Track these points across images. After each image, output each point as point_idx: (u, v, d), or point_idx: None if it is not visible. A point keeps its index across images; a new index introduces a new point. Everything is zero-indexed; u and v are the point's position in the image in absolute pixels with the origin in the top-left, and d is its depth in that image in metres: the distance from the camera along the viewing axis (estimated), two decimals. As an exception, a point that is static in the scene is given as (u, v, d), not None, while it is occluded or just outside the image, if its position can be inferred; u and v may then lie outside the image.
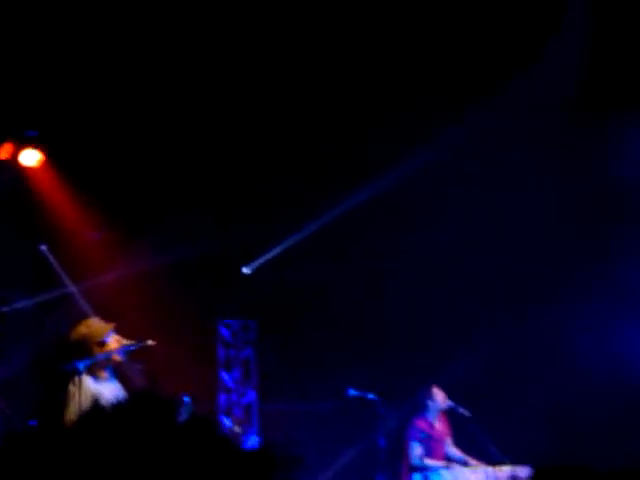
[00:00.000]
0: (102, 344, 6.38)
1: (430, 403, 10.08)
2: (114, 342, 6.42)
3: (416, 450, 9.88)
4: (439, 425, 10.16)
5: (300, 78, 10.32)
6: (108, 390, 6.26)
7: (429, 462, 9.87)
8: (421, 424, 10.02)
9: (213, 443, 1.27)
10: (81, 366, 6.19)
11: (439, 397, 10.08)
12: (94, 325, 6.51)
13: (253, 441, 11.72)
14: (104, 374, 6.41)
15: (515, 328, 11.47)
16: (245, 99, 10.43)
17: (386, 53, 10.14)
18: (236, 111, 10.55)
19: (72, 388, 6.15)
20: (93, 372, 6.33)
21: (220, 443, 1.29)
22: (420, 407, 10.12)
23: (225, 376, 12.24)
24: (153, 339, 6.52)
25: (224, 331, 12.35)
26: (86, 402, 5.96)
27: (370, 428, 9.62)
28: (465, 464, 9.93)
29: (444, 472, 9.64)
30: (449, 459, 10.05)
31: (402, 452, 9.98)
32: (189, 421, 1.28)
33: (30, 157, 10.25)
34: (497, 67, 10.20)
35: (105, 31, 9.45)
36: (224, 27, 9.80)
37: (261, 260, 11.97)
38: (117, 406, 1.29)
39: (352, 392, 9.53)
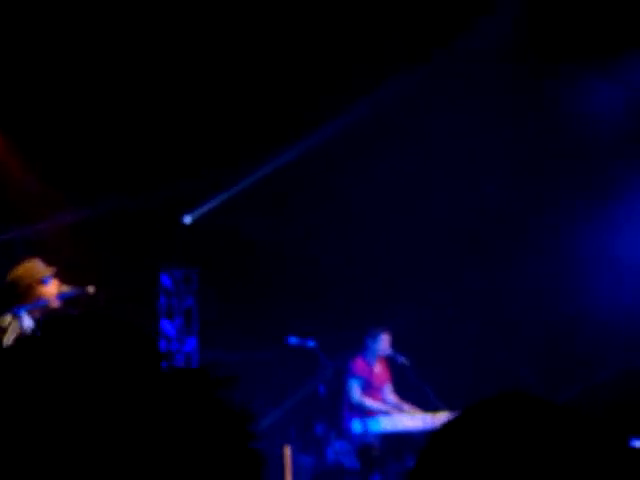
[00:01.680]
0: (41, 283, 6.35)
1: (371, 344, 10.15)
2: (53, 287, 6.41)
3: (355, 389, 9.98)
4: (378, 369, 10.25)
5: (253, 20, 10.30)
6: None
7: (368, 401, 9.98)
8: (359, 364, 10.10)
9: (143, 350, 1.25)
10: (21, 311, 6.17)
11: (383, 342, 10.15)
12: (34, 265, 6.49)
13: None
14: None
15: (456, 274, 11.59)
16: (191, 45, 10.37)
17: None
18: (181, 56, 10.48)
19: (4, 324, 6.12)
20: (34, 316, 6.31)
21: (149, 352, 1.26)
22: (362, 346, 10.19)
23: (166, 325, 12.24)
24: (92, 286, 6.51)
25: (166, 280, 12.32)
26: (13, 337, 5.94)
27: (310, 375, 9.70)
28: (400, 411, 10.06)
29: (382, 418, 9.76)
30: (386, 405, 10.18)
31: (341, 397, 10.08)
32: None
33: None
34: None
35: None
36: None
37: (202, 209, 11.95)
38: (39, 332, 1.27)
39: (292, 339, 9.60)
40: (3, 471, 1.13)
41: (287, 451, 9.75)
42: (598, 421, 1.37)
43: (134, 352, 1.23)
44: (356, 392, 9.99)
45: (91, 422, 1.15)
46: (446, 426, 1.41)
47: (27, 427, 1.15)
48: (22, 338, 1.27)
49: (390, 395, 10.31)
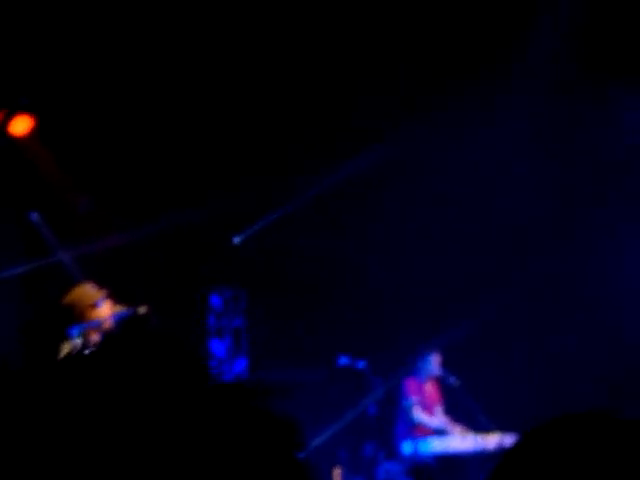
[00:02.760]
0: (93, 307, 6.40)
1: (421, 364, 10.11)
2: (106, 308, 6.45)
3: (414, 408, 9.92)
4: (429, 390, 10.21)
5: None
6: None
7: (429, 419, 9.93)
8: (412, 385, 10.07)
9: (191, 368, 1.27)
10: (75, 332, 6.22)
11: (434, 362, 10.11)
12: (86, 290, 6.54)
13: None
14: (96, 340, 6.44)
15: (502, 296, 11.52)
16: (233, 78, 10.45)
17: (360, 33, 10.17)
18: (224, 82, 10.55)
19: (61, 349, 6.18)
20: (85, 338, 6.36)
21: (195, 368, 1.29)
22: (414, 367, 10.16)
23: (216, 345, 12.27)
24: (144, 307, 6.55)
25: (215, 300, 12.37)
26: None
27: (360, 396, 9.68)
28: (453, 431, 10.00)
29: (433, 439, 9.71)
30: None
31: (394, 417, 10.04)
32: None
33: (21, 125, 10.19)
34: (493, 36, 10.22)
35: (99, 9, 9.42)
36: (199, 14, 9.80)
37: (252, 230, 11.98)
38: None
39: (343, 360, 9.58)
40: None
41: (337, 472, 9.73)
42: None
43: (181, 368, 1.27)
44: (416, 411, 9.93)
45: (138, 437, 1.17)
46: (518, 446, 1.40)
47: (72, 440, 1.17)
48: (70, 356, 1.30)
49: (442, 416, 10.25)
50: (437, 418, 10.13)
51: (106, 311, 6.44)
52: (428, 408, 10.13)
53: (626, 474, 1.31)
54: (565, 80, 10.44)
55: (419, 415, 9.95)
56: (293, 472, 1.25)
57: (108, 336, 1.31)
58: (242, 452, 1.21)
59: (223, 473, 1.18)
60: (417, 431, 9.88)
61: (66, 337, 6.24)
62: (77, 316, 6.34)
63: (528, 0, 10.28)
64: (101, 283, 6.83)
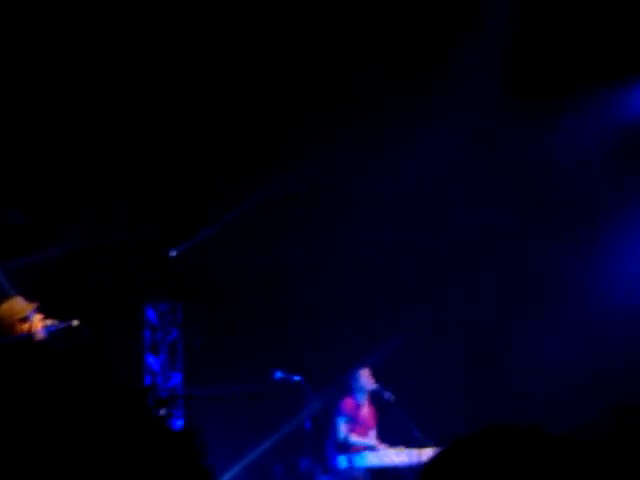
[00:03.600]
0: (24, 320, 6.34)
1: (355, 384, 10.15)
2: (37, 321, 6.39)
3: (342, 427, 9.95)
4: (365, 411, 10.23)
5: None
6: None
7: (354, 438, 9.94)
8: (348, 404, 10.09)
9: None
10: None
11: (364, 379, 10.13)
12: (16, 303, 6.48)
13: (178, 425, 11.68)
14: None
15: (435, 311, 11.61)
16: (169, 89, 10.40)
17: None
18: (162, 99, 10.50)
19: None
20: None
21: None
22: (347, 388, 10.19)
23: (151, 359, 12.19)
24: (76, 320, 6.50)
25: (151, 314, 12.28)
26: None
27: (295, 411, 9.67)
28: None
29: (368, 454, 9.72)
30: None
31: (327, 433, 10.04)
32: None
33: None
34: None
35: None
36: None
37: (188, 243, 11.94)
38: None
39: (278, 374, 9.56)
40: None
41: (272, 487, 9.70)
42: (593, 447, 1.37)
43: (87, 379, 1.26)
44: (342, 430, 9.96)
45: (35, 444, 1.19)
46: (434, 460, 1.42)
47: None
48: None
49: (373, 440, 10.23)
50: (368, 438, 10.14)
51: (36, 324, 6.38)
52: (362, 427, 10.14)
53: None
54: (492, 97, 10.55)
55: (345, 434, 9.96)
56: (193, 477, 1.26)
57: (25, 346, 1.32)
58: (136, 459, 1.22)
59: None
60: (347, 449, 9.89)
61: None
62: (7, 329, 6.28)
63: (458, 16, 10.37)
64: (35, 297, 6.76)
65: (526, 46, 10.31)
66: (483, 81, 10.58)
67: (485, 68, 10.53)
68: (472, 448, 1.39)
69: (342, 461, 9.76)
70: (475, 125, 10.79)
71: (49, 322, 6.45)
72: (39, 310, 6.47)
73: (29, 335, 6.32)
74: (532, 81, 10.48)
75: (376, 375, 10.19)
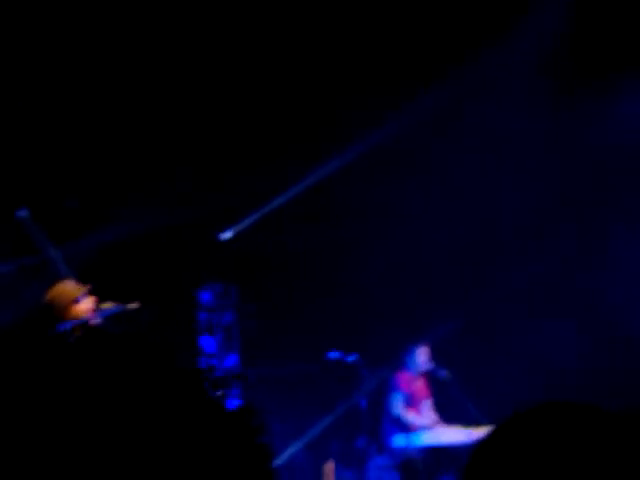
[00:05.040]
0: (75, 303, 6.36)
1: (409, 359, 10.13)
2: (88, 304, 6.41)
3: (397, 403, 9.95)
4: (419, 384, 10.22)
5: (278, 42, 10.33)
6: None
7: (409, 416, 9.93)
8: (403, 378, 10.08)
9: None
10: (63, 329, 6.19)
11: (421, 356, 10.12)
12: (67, 287, 6.50)
13: (234, 406, 11.76)
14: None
15: (501, 291, 11.54)
16: (222, 68, 10.41)
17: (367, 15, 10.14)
18: (212, 78, 10.52)
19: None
20: (73, 335, 6.33)
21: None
22: (403, 363, 10.18)
23: (207, 341, 12.27)
24: (134, 303, 6.54)
25: (205, 296, 12.36)
26: None
27: (351, 390, 9.68)
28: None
29: (424, 433, 9.72)
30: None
31: (383, 412, 10.05)
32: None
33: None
34: (480, 29, 10.22)
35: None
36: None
37: (241, 225, 11.98)
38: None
39: (332, 355, 9.57)
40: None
41: (329, 466, 9.73)
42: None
43: (147, 365, 1.28)
44: (398, 406, 9.95)
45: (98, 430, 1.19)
46: (486, 439, 1.41)
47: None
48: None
49: (429, 412, 10.25)
50: (422, 416, 10.12)
51: (87, 307, 6.40)
52: (416, 403, 10.13)
53: (600, 463, 1.30)
54: (561, 77, 10.44)
55: (400, 411, 9.95)
56: (252, 456, 1.27)
57: (88, 332, 1.34)
58: (195, 437, 1.23)
59: (177, 457, 1.21)
60: (402, 426, 9.89)
61: (61, 334, 6.21)
62: (58, 313, 6.30)
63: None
64: (90, 280, 6.81)
65: (586, 27, 10.17)
66: (540, 62, 10.45)
67: (544, 51, 10.40)
68: (529, 424, 1.38)
69: (398, 440, 9.76)
70: (531, 108, 10.68)
71: (106, 305, 6.49)
72: (91, 293, 6.50)
73: (84, 320, 6.36)
74: (591, 62, 10.34)
75: (432, 354, 10.18)
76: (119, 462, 1.18)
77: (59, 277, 8.09)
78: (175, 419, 1.22)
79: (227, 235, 12.05)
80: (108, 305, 6.50)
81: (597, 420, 1.36)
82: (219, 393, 1.33)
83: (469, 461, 1.40)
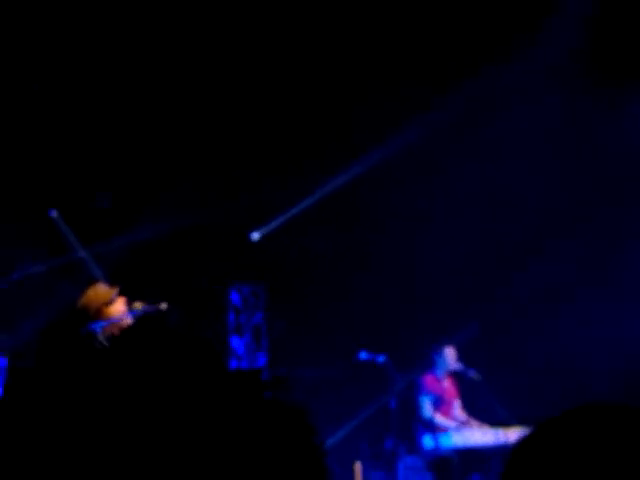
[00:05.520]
0: (109, 304, 6.46)
1: (438, 360, 10.13)
2: (121, 304, 6.51)
3: (426, 405, 9.95)
4: (447, 385, 10.21)
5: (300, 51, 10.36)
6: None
7: (439, 419, 9.93)
8: (429, 380, 10.08)
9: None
10: (97, 328, 6.28)
11: (449, 356, 10.11)
12: (98, 289, 6.63)
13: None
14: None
15: (524, 291, 11.50)
16: (256, 72, 10.46)
17: (385, 21, 10.15)
18: (247, 79, 10.56)
19: (99, 346, 6.28)
20: (107, 335, 6.41)
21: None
22: (430, 363, 10.18)
23: (236, 342, 12.30)
24: (164, 303, 6.59)
25: (234, 296, 12.39)
26: None
27: (380, 391, 9.68)
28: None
29: (454, 433, 9.70)
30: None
31: (413, 412, 10.04)
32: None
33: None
34: (500, 33, 10.20)
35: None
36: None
37: (271, 226, 12.00)
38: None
39: (363, 355, 9.57)
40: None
41: (358, 467, 9.73)
42: None
43: (195, 362, 1.30)
44: (428, 409, 9.95)
45: (150, 427, 1.20)
46: (525, 440, 1.41)
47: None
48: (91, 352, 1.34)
49: (459, 411, 10.24)
50: (452, 417, 10.12)
51: (120, 307, 6.50)
52: (446, 404, 10.12)
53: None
54: (576, 81, 10.41)
55: (430, 413, 9.95)
56: (309, 454, 1.27)
57: (124, 332, 1.35)
58: (255, 439, 1.23)
59: (239, 461, 1.20)
60: (432, 428, 9.88)
61: (91, 334, 6.29)
62: (93, 316, 6.41)
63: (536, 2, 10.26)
64: (121, 280, 6.88)
65: (602, 32, 10.14)
66: (563, 64, 10.43)
67: (566, 52, 10.37)
68: (566, 426, 1.38)
69: (427, 441, 9.74)
70: (545, 115, 10.66)
71: (137, 305, 6.55)
72: (121, 294, 6.59)
73: (116, 319, 6.43)
74: (606, 68, 10.30)
75: (460, 354, 10.17)
76: (173, 463, 1.18)
77: (90, 277, 8.18)
78: (235, 420, 1.23)
79: (256, 236, 12.08)
80: (138, 305, 6.57)
81: (634, 421, 1.36)
82: (271, 394, 1.34)
83: (509, 462, 1.40)
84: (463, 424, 10.05)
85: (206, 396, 1.24)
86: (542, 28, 10.33)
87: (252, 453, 1.22)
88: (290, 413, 1.29)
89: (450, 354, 10.13)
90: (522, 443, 1.42)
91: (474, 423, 10.05)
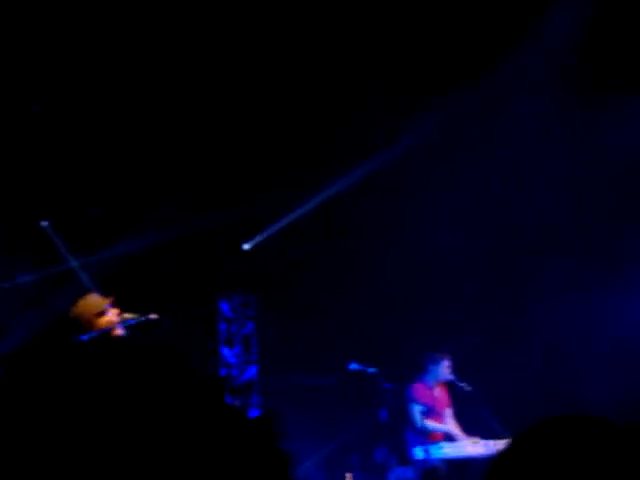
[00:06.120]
0: (101, 315, 6.43)
1: (432, 368, 10.10)
2: (113, 315, 6.48)
3: (417, 414, 9.92)
4: (438, 394, 10.18)
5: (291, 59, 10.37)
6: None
7: (432, 424, 9.91)
8: (419, 389, 10.05)
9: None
10: (86, 339, 6.25)
11: (444, 366, 10.09)
12: (91, 299, 6.59)
13: (254, 415, 11.79)
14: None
15: (513, 305, 11.52)
16: (244, 79, 10.45)
17: (377, 29, 10.15)
18: (236, 90, 10.56)
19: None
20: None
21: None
22: (422, 370, 10.14)
23: (226, 352, 12.29)
24: (155, 314, 6.58)
25: (225, 306, 12.39)
26: None
27: (371, 402, 9.67)
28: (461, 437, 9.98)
29: (445, 444, 9.69)
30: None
31: (404, 424, 10.03)
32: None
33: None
34: (495, 38, 10.21)
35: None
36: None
37: (261, 236, 12.01)
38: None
39: (353, 366, 9.57)
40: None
41: (349, 478, 9.72)
42: None
43: (165, 371, 1.31)
44: (419, 417, 9.93)
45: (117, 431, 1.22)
46: (501, 454, 1.42)
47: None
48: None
49: (450, 420, 10.23)
50: (444, 423, 10.11)
51: (113, 318, 6.47)
52: (438, 412, 10.11)
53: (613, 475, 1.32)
54: (572, 84, 10.43)
55: (425, 422, 9.94)
56: (271, 459, 1.29)
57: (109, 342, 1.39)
58: (215, 445, 1.25)
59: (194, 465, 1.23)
60: (426, 436, 9.86)
61: (81, 344, 6.28)
62: (85, 325, 6.37)
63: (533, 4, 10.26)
64: (111, 290, 6.86)
65: (603, 32, 10.15)
66: (553, 69, 10.45)
67: (556, 55, 10.39)
68: (538, 439, 1.39)
69: (418, 452, 9.74)
70: (545, 116, 10.68)
71: (127, 316, 6.53)
72: (114, 304, 6.56)
73: (107, 329, 6.41)
74: (608, 69, 10.32)
75: (453, 366, 10.16)
76: (139, 468, 1.20)
77: (81, 287, 8.16)
78: (194, 426, 1.24)
79: (248, 246, 12.08)
80: (129, 316, 6.55)
81: (607, 433, 1.37)
82: (238, 402, 1.36)
83: (486, 476, 1.41)
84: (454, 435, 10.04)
85: (161, 401, 1.26)
86: (540, 30, 10.32)
87: (208, 458, 1.24)
88: (251, 421, 1.30)
89: (446, 365, 10.11)
90: (497, 457, 1.44)
91: (464, 435, 10.04)
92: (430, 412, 10.04)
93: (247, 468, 1.26)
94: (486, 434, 9.73)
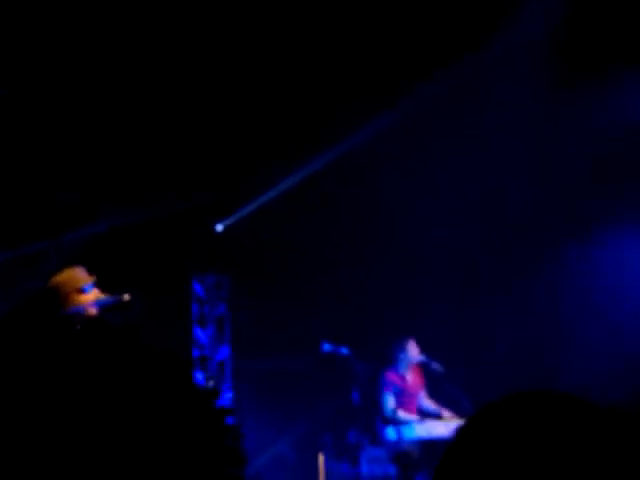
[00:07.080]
0: (80, 292, 6.32)
1: (402, 356, 10.14)
2: (92, 295, 6.37)
3: (389, 402, 9.96)
4: (411, 378, 10.22)
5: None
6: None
7: (402, 414, 9.95)
8: (391, 376, 10.08)
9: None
10: (60, 316, 6.18)
11: (412, 350, 10.13)
12: (75, 273, 6.44)
13: (227, 397, 11.79)
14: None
15: (486, 284, 11.56)
16: (213, 58, 10.41)
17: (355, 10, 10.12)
18: (211, 73, 10.51)
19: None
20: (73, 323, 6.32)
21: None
22: (392, 359, 10.18)
23: (199, 332, 12.28)
24: (128, 295, 6.52)
25: (198, 287, 12.36)
26: None
27: (343, 383, 9.69)
28: (439, 416, 10.02)
29: (416, 425, 9.73)
30: (422, 412, 10.14)
31: (375, 405, 10.06)
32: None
33: None
34: (472, 24, 10.21)
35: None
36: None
37: (235, 217, 11.99)
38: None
39: (326, 346, 9.58)
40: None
41: (321, 459, 9.75)
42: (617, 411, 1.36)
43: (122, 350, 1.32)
44: (390, 405, 9.96)
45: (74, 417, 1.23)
46: (458, 432, 1.41)
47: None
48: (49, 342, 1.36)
49: (426, 401, 10.28)
50: (416, 411, 10.14)
51: (90, 298, 6.36)
52: (410, 396, 10.14)
53: (575, 450, 1.30)
54: (559, 68, 10.42)
55: (392, 409, 9.96)
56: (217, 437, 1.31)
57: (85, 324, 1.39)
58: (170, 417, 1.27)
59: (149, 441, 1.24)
60: (394, 423, 9.89)
61: (57, 320, 6.19)
62: (61, 299, 6.25)
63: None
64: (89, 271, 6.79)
65: (586, 15, 10.15)
66: (536, 54, 10.44)
67: (538, 40, 10.38)
68: (500, 415, 1.37)
69: (390, 433, 9.77)
70: (532, 101, 10.67)
71: (101, 296, 6.46)
72: (96, 285, 6.45)
73: (82, 309, 6.33)
74: (590, 53, 10.31)
75: (423, 346, 10.19)
76: (112, 451, 1.20)
77: (51, 268, 8.07)
78: (159, 407, 1.25)
79: (221, 226, 12.06)
80: (103, 296, 6.48)
81: (573, 410, 1.35)
82: (210, 384, 1.36)
83: (442, 458, 1.41)
84: (431, 414, 10.07)
85: (131, 387, 1.27)
86: (522, 14, 10.29)
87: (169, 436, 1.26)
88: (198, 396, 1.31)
89: (412, 347, 10.14)
90: (454, 436, 1.43)
91: (445, 411, 10.09)
92: (403, 396, 10.07)
93: (206, 449, 1.27)
94: (460, 414, 9.78)
